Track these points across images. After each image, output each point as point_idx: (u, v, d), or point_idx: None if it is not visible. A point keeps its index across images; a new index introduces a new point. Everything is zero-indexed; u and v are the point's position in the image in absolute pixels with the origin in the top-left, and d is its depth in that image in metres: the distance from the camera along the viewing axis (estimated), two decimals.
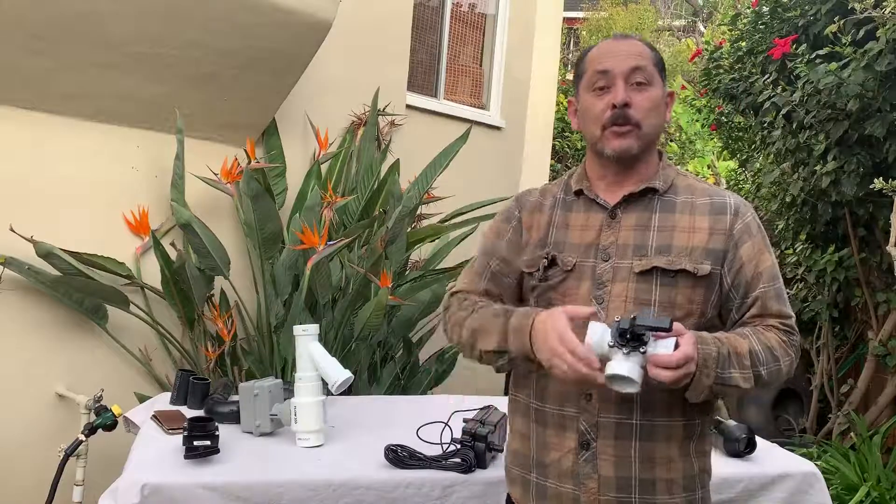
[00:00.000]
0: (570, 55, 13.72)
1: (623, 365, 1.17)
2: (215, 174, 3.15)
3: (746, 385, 1.28)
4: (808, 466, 2.12)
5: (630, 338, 1.18)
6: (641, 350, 1.18)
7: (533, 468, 1.40)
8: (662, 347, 1.19)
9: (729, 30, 4.64)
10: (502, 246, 1.48)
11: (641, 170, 1.40)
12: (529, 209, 1.48)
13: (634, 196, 1.39)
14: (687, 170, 8.90)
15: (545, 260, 1.40)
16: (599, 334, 1.21)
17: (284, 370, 3.08)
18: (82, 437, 2.25)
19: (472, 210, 3.70)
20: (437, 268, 3.69)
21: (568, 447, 1.35)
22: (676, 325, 1.20)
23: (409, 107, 4.22)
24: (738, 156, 5.45)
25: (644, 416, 1.33)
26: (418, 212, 3.76)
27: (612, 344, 1.19)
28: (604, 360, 1.20)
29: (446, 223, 3.63)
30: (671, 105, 1.44)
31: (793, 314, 1.39)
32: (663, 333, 1.19)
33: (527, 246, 1.45)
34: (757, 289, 1.35)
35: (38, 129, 2.86)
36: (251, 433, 2.06)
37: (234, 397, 2.19)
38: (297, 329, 2.06)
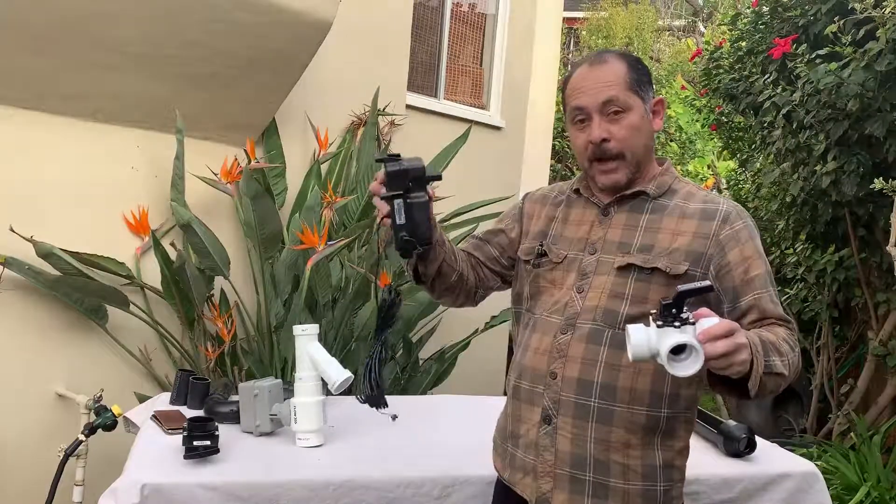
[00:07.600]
0: (570, 55, 13.71)
1: (681, 336, 1.09)
2: (215, 174, 3.15)
3: (785, 371, 1.25)
4: (808, 466, 2.12)
5: (676, 310, 1.11)
6: (692, 321, 1.11)
7: (509, 439, 1.51)
8: (708, 322, 1.11)
9: (729, 30, 4.64)
10: (498, 228, 1.63)
11: (635, 178, 1.46)
12: (533, 200, 1.62)
13: (627, 197, 1.46)
14: (687, 170, 8.92)
15: (538, 250, 1.52)
16: (641, 331, 1.13)
17: (284, 370, 3.08)
18: (82, 437, 2.25)
19: (472, 210, 3.70)
20: None
21: (534, 421, 1.43)
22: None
23: (409, 107, 4.22)
24: (738, 156, 5.44)
25: (603, 399, 1.37)
26: None
27: (660, 324, 1.12)
28: (653, 356, 1.13)
29: (446, 223, 3.63)
30: (662, 112, 1.47)
31: (791, 319, 1.39)
32: (704, 311, 1.13)
33: (527, 234, 1.57)
34: (750, 294, 1.36)
35: (38, 129, 2.86)
36: (251, 433, 2.06)
37: (234, 397, 2.18)
38: (297, 329, 2.06)
